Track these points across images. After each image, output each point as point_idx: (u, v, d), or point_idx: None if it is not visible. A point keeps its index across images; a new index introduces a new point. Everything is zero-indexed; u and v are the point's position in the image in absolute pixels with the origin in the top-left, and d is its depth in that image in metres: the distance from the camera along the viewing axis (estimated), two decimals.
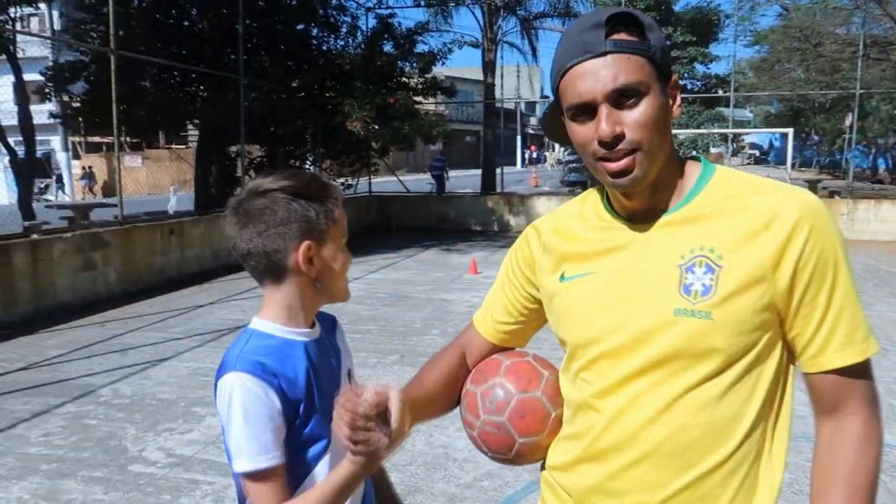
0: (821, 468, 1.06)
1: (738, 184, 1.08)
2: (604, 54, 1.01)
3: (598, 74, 1.01)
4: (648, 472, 1.06)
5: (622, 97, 1.01)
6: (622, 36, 1.02)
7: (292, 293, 1.23)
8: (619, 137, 1.01)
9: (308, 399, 1.18)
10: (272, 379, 1.14)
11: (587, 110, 1.03)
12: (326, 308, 1.33)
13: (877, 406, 1.07)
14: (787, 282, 1.01)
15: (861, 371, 1.04)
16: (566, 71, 1.04)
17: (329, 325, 1.36)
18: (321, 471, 1.20)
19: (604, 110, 1.01)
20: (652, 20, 1.06)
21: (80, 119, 12.54)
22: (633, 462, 1.06)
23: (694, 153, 1.10)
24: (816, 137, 38.58)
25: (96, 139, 25.36)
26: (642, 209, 1.11)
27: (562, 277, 1.17)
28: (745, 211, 1.04)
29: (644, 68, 1.02)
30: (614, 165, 1.03)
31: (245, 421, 1.12)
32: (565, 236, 1.19)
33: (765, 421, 1.06)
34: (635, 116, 1.01)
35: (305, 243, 1.18)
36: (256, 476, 1.12)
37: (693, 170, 1.11)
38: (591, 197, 1.21)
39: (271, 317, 1.23)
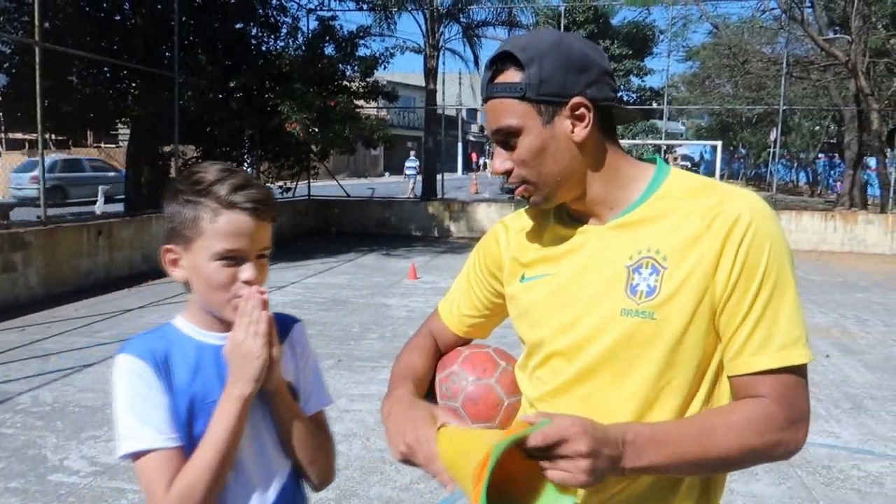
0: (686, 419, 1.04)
1: (688, 186, 1.10)
2: (486, 100, 1.11)
3: (486, 117, 1.13)
4: None
5: (506, 137, 1.09)
6: (501, 78, 1.08)
7: (195, 295, 1.21)
8: (509, 173, 1.11)
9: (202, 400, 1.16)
10: (158, 363, 1.13)
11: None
12: (299, 311, 1.27)
13: (789, 411, 1.00)
14: (722, 282, 1.02)
15: (781, 376, 1.00)
16: None
17: (280, 332, 1.23)
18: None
19: (495, 149, 1.13)
20: (541, 50, 1.05)
21: (0, 114, 11.94)
22: None
23: (650, 156, 1.13)
24: (744, 151, 40.15)
25: (18, 135, 24.17)
26: (590, 214, 1.13)
27: (522, 278, 1.20)
28: (690, 213, 1.05)
29: (516, 109, 1.07)
30: (517, 191, 1.14)
31: (130, 402, 1.11)
32: (529, 236, 1.21)
33: None
34: (516, 155, 1.10)
35: (164, 246, 1.19)
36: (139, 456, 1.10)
37: (646, 173, 1.13)
38: None
39: (189, 316, 1.23)
